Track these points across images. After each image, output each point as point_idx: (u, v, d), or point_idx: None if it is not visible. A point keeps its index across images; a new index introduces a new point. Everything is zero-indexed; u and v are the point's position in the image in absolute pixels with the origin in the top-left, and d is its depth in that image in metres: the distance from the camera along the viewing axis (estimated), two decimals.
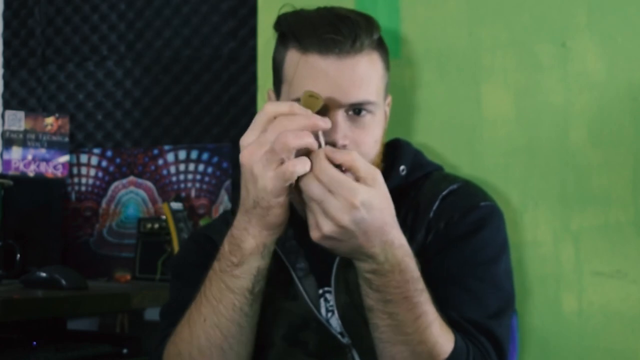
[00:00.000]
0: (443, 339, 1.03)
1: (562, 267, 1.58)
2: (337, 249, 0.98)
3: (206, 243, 1.27)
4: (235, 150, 2.20)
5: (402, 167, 1.23)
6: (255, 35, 2.08)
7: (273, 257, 1.06)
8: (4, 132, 2.40)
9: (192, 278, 1.19)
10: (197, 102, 2.29)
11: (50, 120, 2.42)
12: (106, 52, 2.42)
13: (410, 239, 1.15)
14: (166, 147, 2.33)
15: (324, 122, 0.97)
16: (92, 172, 2.42)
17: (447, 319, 1.06)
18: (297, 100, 1.10)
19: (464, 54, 1.69)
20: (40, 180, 2.38)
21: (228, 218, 1.30)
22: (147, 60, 2.36)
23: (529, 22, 1.64)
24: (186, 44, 2.32)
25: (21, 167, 2.40)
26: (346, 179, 0.94)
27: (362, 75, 1.11)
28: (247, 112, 2.21)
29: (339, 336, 1.17)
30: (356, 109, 1.12)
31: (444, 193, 1.20)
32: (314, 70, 1.10)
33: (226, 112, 2.25)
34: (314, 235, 0.96)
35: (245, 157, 0.97)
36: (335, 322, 1.18)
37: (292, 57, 1.13)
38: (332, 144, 1.08)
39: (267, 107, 0.99)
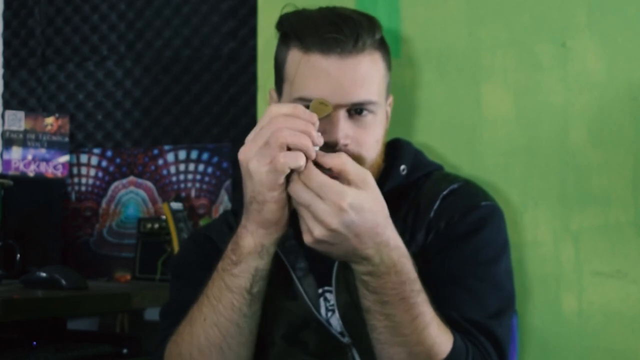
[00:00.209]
0: (441, 339, 1.03)
1: (562, 267, 1.58)
2: (331, 252, 0.99)
3: (206, 243, 1.27)
4: (235, 150, 2.19)
5: (402, 167, 1.23)
6: (255, 35, 2.07)
7: (273, 257, 1.06)
8: (4, 132, 2.39)
9: (192, 278, 1.19)
10: (197, 102, 2.29)
11: (50, 120, 2.42)
12: (106, 52, 2.42)
13: (411, 239, 1.16)
14: (166, 147, 2.33)
15: (318, 136, 0.97)
16: (92, 172, 2.42)
17: (447, 318, 1.06)
18: (299, 99, 1.11)
19: (464, 54, 1.69)
20: (40, 180, 2.38)
21: (228, 218, 1.31)
22: (147, 60, 2.36)
23: (529, 22, 1.64)
24: (186, 44, 2.31)
25: (21, 167, 2.39)
26: (334, 183, 0.95)
27: (364, 75, 1.12)
28: (247, 112, 2.21)
29: (339, 336, 1.17)
30: (358, 109, 1.13)
31: (444, 193, 1.20)
32: (316, 70, 1.10)
33: (226, 112, 2.25)
34: (307, 239, 0.97)
35: (242, 153, 0.98)
36: (335, 322, 1.18)
37: (294, 56, 1.13)
38: (334, 143, 1.09)
39: (272, 108, 0.99)
